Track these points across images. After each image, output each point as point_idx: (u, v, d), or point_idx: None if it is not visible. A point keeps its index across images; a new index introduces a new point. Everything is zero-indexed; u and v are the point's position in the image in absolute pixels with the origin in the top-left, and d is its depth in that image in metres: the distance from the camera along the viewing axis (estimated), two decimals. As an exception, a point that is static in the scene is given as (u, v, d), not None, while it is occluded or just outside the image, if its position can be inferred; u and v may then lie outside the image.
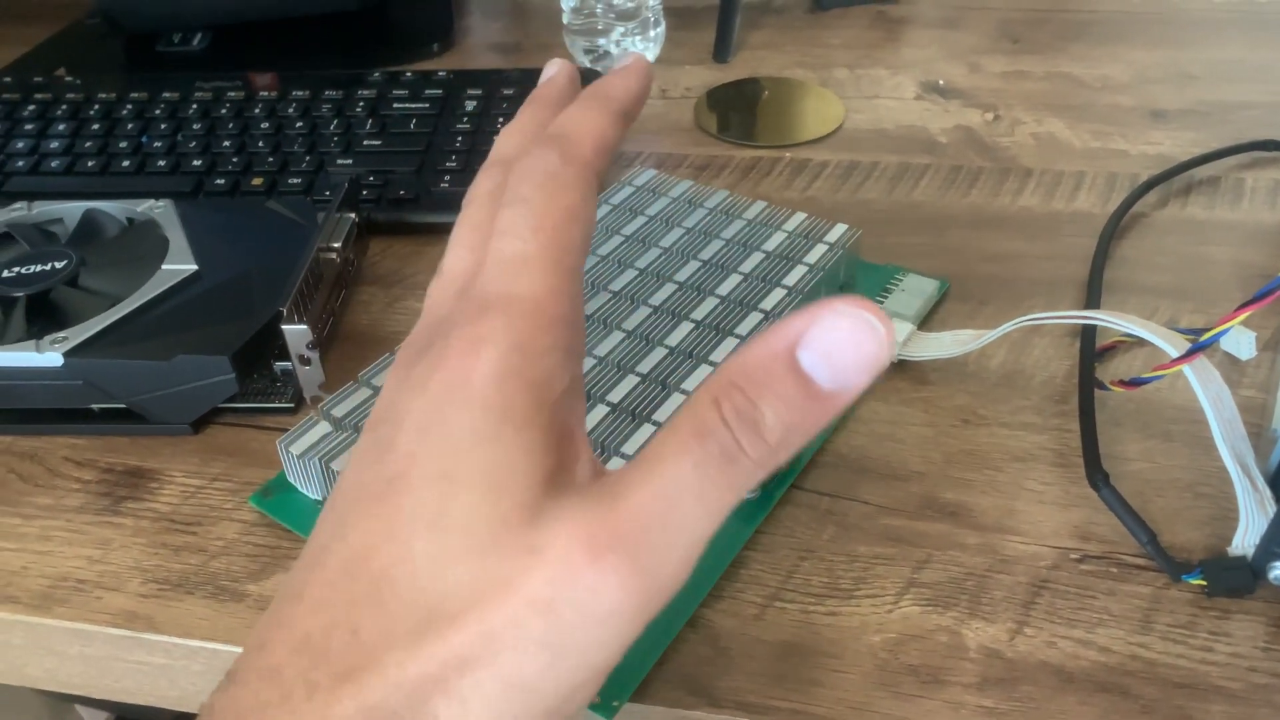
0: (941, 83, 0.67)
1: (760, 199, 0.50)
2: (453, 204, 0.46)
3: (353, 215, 0.50)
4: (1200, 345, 0.34)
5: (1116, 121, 0.61)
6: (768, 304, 0.44)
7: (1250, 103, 0.62)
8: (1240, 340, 0.43)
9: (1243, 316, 0.34)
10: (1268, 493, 0.34)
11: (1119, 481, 0.38)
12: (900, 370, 0.44)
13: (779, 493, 0.38)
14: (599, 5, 0.70)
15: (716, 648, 0.34)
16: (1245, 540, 0.34)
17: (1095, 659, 0.33)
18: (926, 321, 0.47)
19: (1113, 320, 0.37)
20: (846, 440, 0.41)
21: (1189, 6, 0.74)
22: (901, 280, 0.48)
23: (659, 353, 0.41)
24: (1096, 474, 0.37)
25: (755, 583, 0.36)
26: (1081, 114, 0.62)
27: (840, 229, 0.48)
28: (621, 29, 0.71)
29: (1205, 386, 0.35)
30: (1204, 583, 0.34)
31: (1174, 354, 0.35)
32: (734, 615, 0.35)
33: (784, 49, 0.73)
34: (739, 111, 0.65)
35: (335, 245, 0.48)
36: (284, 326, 0.41)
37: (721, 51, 0.72)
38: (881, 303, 0.47)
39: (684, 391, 0.39)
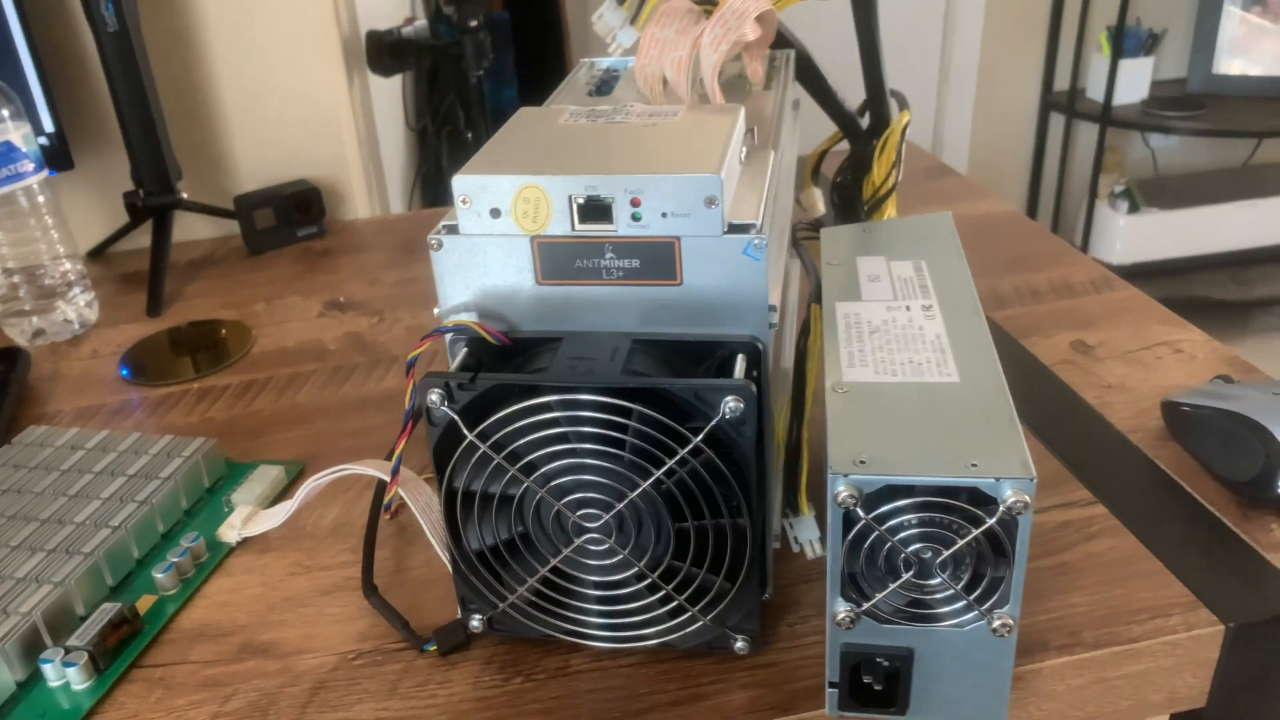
0: (341, 299, 0.80)
1: (166, 428, 0.58)
2: None
3: None
4: (395, 469, 0.46)
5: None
6: (116, 520, 0.51)
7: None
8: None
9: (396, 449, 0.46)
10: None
11: (399, 588, 0.49)
12: (246, 545, 0.53)
13: (111, 679, 0.45)
14: (22, 290, 0.76)
15: (33, 823, 0.39)
16: (460, 607, 0.45)
17: (347, 730, 0.42)
18: (280, 499, 0.56)
19: (355, 469, 0.49)
20: (189, 615, 0.49)
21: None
22: (253, 472, 0.57)
23: (8, 583, 0.47)
24: (368, 588, 0.48)
25: (80, 757, 0.42)
26: (448, 305, 0.77)
27: (196, 443, 0.57)
28: (60, 304, 0.77)
29: (415, 499, 0.47)
30: (435, 648, 0.45)
31: (386, 478, 0.47)
32: (54, 790, 0.40)
33: (215, 294, 0.83)
34: (156, 357, 0.74)
35: None
36: None
37: (154, 307, 0.81)
38: (233, 492, 0.56)
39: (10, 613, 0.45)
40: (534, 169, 0.39)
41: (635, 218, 0.39)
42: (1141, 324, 0.67)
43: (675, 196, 0.38)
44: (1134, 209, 2.35)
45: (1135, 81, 2.31)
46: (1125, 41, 2.24)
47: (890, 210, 0.66)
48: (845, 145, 0.69)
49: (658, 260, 0.40)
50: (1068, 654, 0.43)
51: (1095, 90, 2.34)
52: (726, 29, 0.47)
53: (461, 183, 0.40)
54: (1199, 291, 2.25)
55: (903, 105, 0.67)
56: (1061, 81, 2.44)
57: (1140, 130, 2.39)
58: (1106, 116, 2.28)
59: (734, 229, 0.39)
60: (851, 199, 0.67)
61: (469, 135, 1.29)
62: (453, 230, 0.41)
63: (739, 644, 0.42)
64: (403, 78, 1.32)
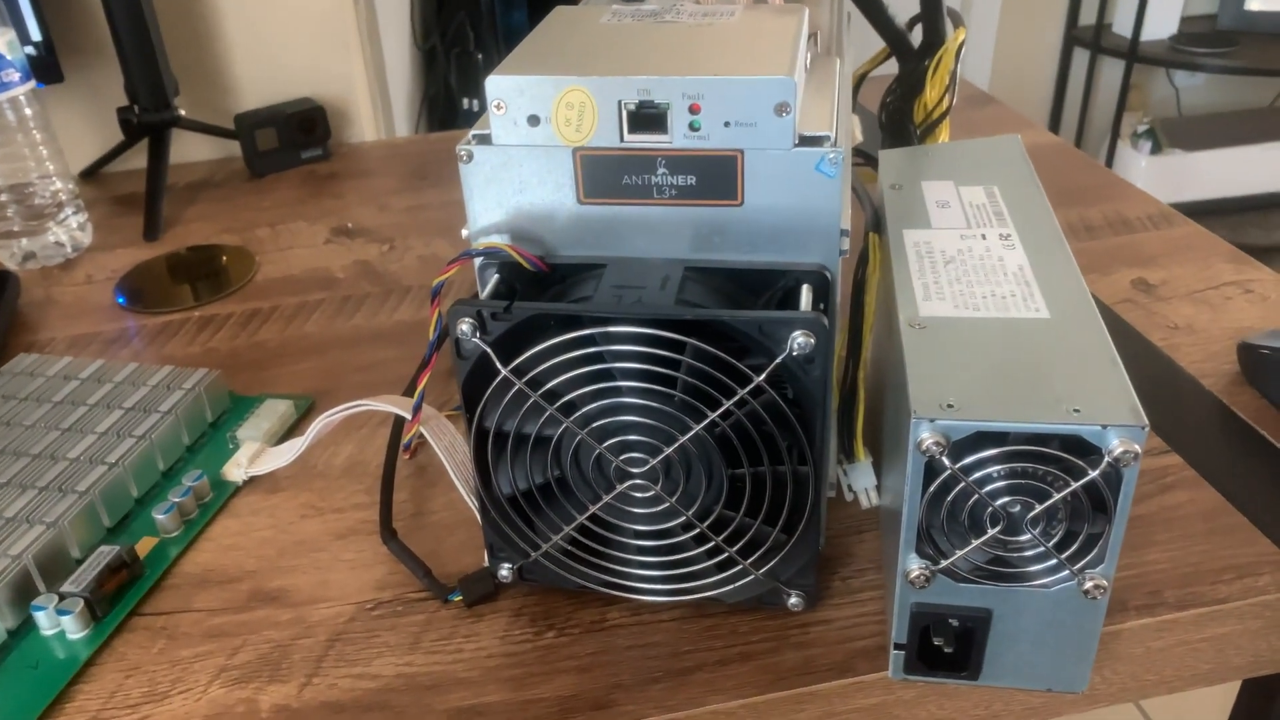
0: (350, 225, 0.75)
1: (165, 359, 0.54)
2: None
3: None
4: (417, 406, 0.42)
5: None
6: (113, 457, 0.48)
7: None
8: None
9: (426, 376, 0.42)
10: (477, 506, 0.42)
11: (419, 532, 0.45)
12: (253, 485, 0.49)
13: (110, 627, 0.42)
14: (10, 209, 0.72)
15: (28, 782, 0.36)
16: (488, 556, 0.42)
17: (366, 687, 0.39)
18: (288, 436, 0.53)
19: (371, 404, 0.45)
20: (192, 559, 0.45)
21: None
22: (259, 407, 0.53)
23: (-12, 524, 0.44)
24: (386, 533, 0.44)
25: (78, 711, 0.39)
26: (463, 232, 0.73)
27: (198, 374, 0.53)
28: (52, 226, 0.73)
29: (438, 439, 0.43)
30: (461, 598, 0.41)
31: (408, 417, 0.43)
32: (50, 747, 0.37)
33: (216, 218, 0.79)
34: (160, 282, 0.70)
35: None
36: None
37: (150, 231, 0.76)
38: (238, 428, 0.52)
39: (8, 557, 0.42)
40: (579, 70, 0.35)
41: (693, 127, 0.34)
42: (1206, 262, 0.63)
43: (741, 102, 0.34)
44: (1157, 149, 2.29)
45: (1165, 17, 2.23)
46: (1157, -27, 2.16)
47: (944, 135, 0.62)
48: (883, 69, 0.64)
49: (717, 177, 0.35)
50: (1149, 615, 0.39)
51: (1122, 25, 2.26)
52: (787, -79, 0.42)
53: (496, 85, 0.35)
54: (1222, 235, 2.20)
55: (957, 22, 0.62)
56: (1088, 15, 2.35)
57: (1167, 67, 2.31)
58: (1134, 52, 2.20)
59: (805, 141, 0.34)
60: (901, 122, 0.62)
61: (479, 56, 1.23)
62: (484, 140, 0.37)
63: (793, 600, 0.39)
64: (409, -4, 1.26)
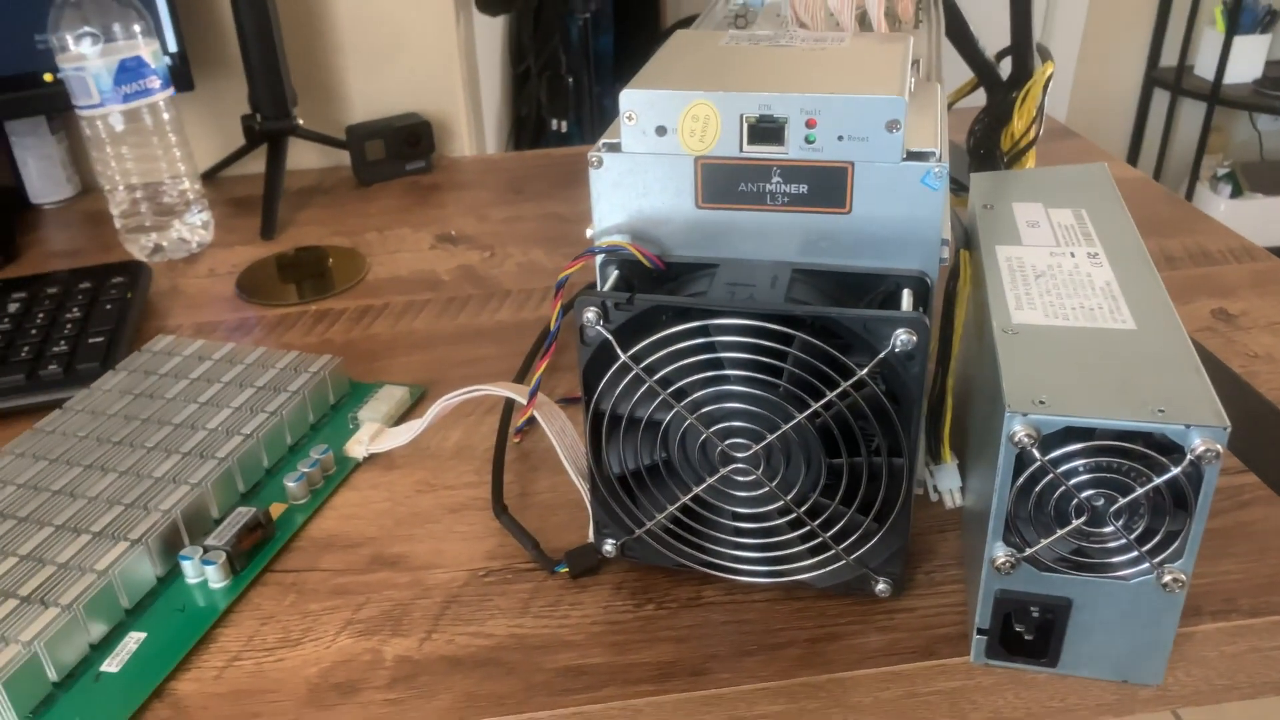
0: (453, 233, 0.80)
1: (286, 347, 0.58)
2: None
3: None
4: (534, 390, 0.46)
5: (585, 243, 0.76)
6: (248, 429, 0.52)
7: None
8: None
9: (542, 368, 0.45)
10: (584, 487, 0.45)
11: (525, 510, 0.49)
12: (371, 462, 0.53)
13: (246, 580, 0.46)
14: (143, 206, 0.78)
15: (178, 709, 0.40)
16: (593, 531, 0.45)
17: (481, 644, 0.42)
18: (403, 420, 0.56)
19: (490, 389, 0.48)
20: (318, 525, 0.49)
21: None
22: (378, 391, 0.57)
23: (147, 481, 0.48)
24: (498, 507, 0.48)
25: (220, 651, 0.43)
26: (559, 243, 0.77)
27: (322, 360, 0.58)
28: (178, 223, 0.79)
29: (550, 424, 0.47)
30: (567, 569, 0.45)
31: (523, 401, 0.46)
32: (196, 680, 0.41)
33: (327, 222, 0.84)
34: (271, 279, 0.74)
35: None
36: None
37: (267, 231, 0.82)
38: (359, 410, 0.56)
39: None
40: (705, 85, 0.38)
41: (809, 140, 0.38)
42: (1287, 295, 0.64)
43: (855, 118, 0.37)
44: (1237, 193, 2.27)
45: (1249, 59, 2.22)
46: (1242, 16, 2.15)
47: (1030, 163, 0.64)
48: (969, 100, 0.67)
49: (828, 186, 0.38)
50: (1223, 619, 0.41)
51: (1205, 67, 2.25)
52: (895, -44, 0.46)
53: (630, 98, 0.39)
54: (1300, 282, 2.16)
55: (1045, 56, 0.65)
56: (1169, 57, 2.35)
57: (1250, 111, 2.29)
58: (1216, 95, 2.19)
59: (912, 156, 0.37)
60: (989, 150, 0.65)
61: (569, 80, 1.28)
62: (614, 148, 0.40)
63: (880, 586, 0.42)
64: (504, 21, 1.31)
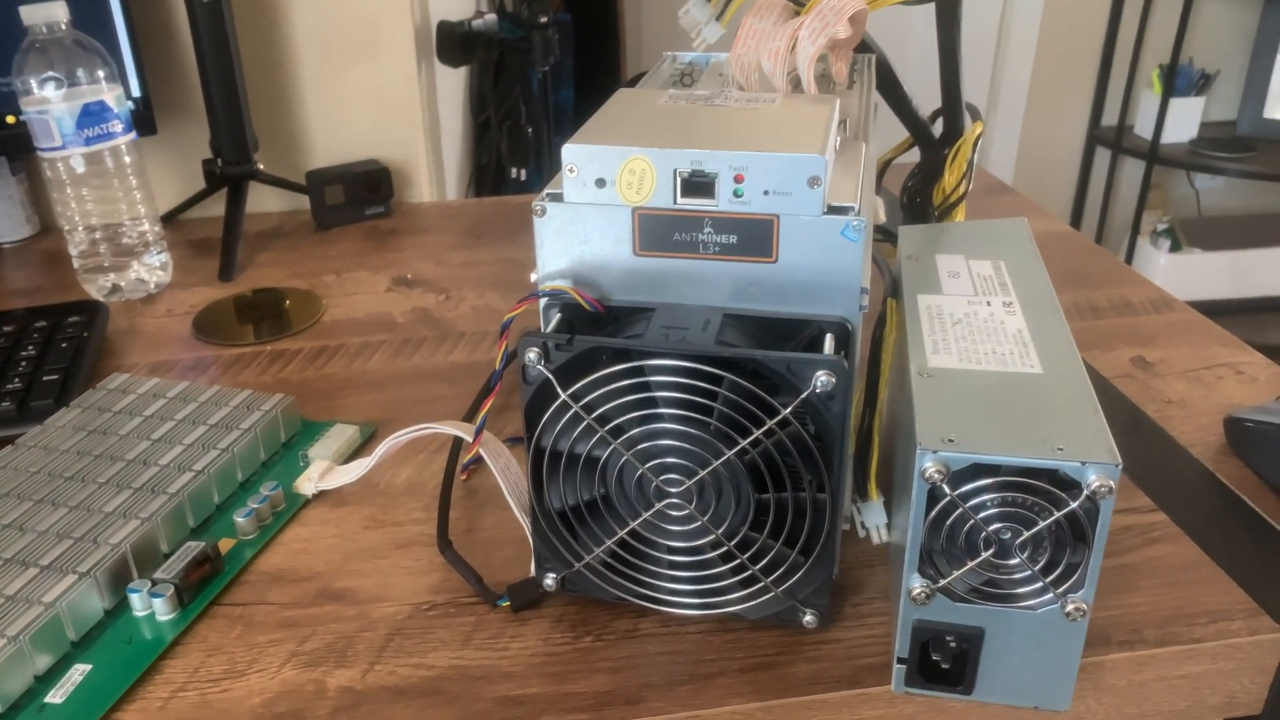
0: (409, 276, 0.82)
1: (241, 386, 0.60)
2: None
3: None
4: (479, 429, 0.47)
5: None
6: (199, 465, 0.53)
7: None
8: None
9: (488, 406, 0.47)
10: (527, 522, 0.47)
11: (471, 546, 0.50)
12: (321, 499, 0.55)
13: (194, 613, 0.47)
14: (102, 246, 0.79)
15: (121, 740, 0.41)
16: (535, 565, 0.46)
17: (423, 675, 0.43)
18: (354, 458, 0.58)
19: (437, 428, 0.50)
20: (267, 560, 0.50)
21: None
22: (329, 430, 0.59)
23: (97, 516, 0.49)
24: (443, 542, 0.49)
25: (165, 683, 0.43)
26: (514, 287, 0.79)
27: (275, 399, 0.59)
28: (136, 264, 0.80)
29: (495, 461, 0.48)
30: (509, 603, 0.46)
31: (470, 440, 0.48)
32: (141, 712, 0.42)
33: (285, 264, 0.85)
34: (229, 319, 0.76)
35: None
36: None
37: (226, 272, 0.83)
38: (310, 448, 0.57)
39: (107, 544, 0.47)
40: (641, 142, 0.41)
41: (737, 194, 0.40)
42: (1201, 344, 0.68)
43: (779, 175, 0.39)
44: (1176, 248, 2.35)
45: (1185, 120, 2.31)
46: (1177, 80, 2.25)
47: (960, 216, 0.67)
48: (906, 157, 0.70)
49: (755, 237, 0.41)
50: (1129, 649, 0.43)
51: (1144, 127, 2.34)
52: (824, 23, 0.49)
53: (571, 152, 0.41)
54: (1239, 334, 2.24)
55: (975, 116, 0.69)
56: (1110, 116, 2.44)
57: (1187, 170, 2.39)
58: (1154, 154, 2.28)
59: (833, 210, 0.40)
60: (921, 204, 0.68)
61: (529, 130, 1.31)
62: (556, 198, 0.43)
63: (808, 618, 0.43)
64: (467, 71, 1.35)
